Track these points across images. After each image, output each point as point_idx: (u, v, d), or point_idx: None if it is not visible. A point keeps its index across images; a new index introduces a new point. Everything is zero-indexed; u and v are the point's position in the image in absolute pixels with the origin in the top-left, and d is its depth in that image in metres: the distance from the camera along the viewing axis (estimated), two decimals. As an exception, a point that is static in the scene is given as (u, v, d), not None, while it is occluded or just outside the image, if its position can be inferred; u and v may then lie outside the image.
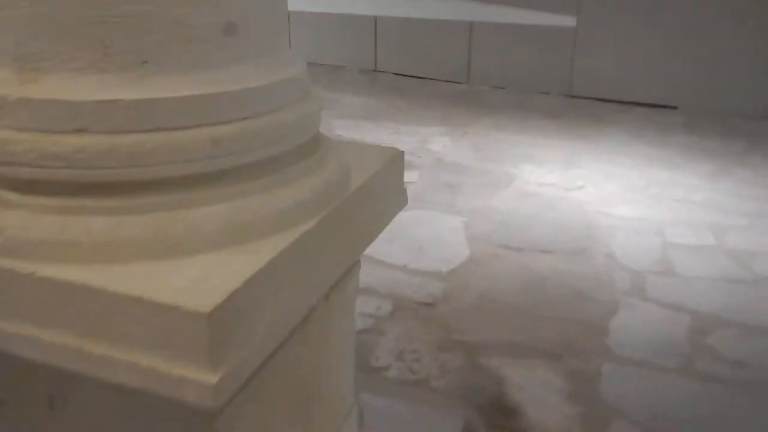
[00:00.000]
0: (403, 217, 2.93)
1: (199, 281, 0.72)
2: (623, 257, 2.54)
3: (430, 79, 5.01)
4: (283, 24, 0.93)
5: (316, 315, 0.95)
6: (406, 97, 4.62)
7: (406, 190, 1.20)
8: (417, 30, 5.05)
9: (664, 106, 4.46)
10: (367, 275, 2.32)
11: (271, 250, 0.77)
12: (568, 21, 4.65)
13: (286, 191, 0.84)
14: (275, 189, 0.84)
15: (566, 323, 2.12)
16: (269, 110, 0.83)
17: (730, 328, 2.12)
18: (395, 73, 5.14)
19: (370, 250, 2.26)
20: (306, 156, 0.91)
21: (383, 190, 1.08)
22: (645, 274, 2.42)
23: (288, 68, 0.90)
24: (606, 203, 3.05)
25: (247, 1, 0.83)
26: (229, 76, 0.80)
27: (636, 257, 2.54)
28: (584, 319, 2.14)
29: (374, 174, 1.03)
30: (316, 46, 5.33)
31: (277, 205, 0.82)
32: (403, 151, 1.16)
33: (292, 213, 0.83)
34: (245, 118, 0.81)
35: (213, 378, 0.67)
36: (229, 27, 0.79)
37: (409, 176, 3.27)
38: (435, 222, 2.81)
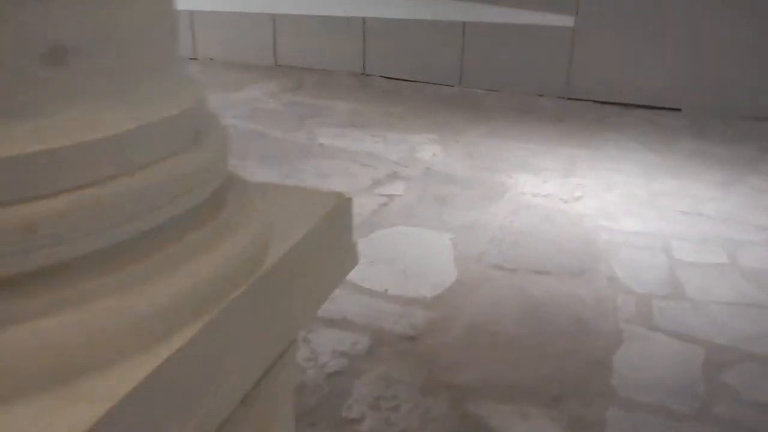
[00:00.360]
0: (385, 235, 2.72)
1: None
2: (627, 278, 2.30)
3: (422, 82, 4.78)
4: (160, 35, 0.65)
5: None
6: (396, 101, 4.39)
7: (355, 246, 0.95)
8: (407, 31, 4.82)
9: (668, 109, 4.22)
10: (343, 304, 2.09)
11: (123, 385, 0.52)
12: (566, 21, 4.41)
13: (156, 287, 0.59)
14: (138, 285, 0.58)
15: (565, 358, 1.88)
16: (128, 169, 0.57)
17: (751, 362, 1.88)
18: (385, 77, 4.90)
19: (347, 274, 2.02)
20: (197, 226, 0.65)
21: (321, 253, 0.83)
22: (651, 298, 2.18)
23: (164, 103, 0.63)
24: (607, 216, 2.81)
25: (86, 12, 0.55)
26: (57, 124, 0.54)
27: (641, 278, 2.30)
28: (586, 353, 1.91)
29: (308, 234, 0.78)
30: (301, 50, 5.10)
31: (142, 309, 0.57)
32: (350, 198, 0.91)
33: (167, 316, 0.58)
34: (84, 187, 0.54)
35: None
36: (54, 53, 0.53)
37: (395, 188, 3.04)
38: (420, 240, 2.58)
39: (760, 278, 2.31)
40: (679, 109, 4.21)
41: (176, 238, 0.62)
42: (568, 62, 4.46)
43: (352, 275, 2.29)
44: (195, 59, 5.28)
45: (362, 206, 2.84)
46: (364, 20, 4.93)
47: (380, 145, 3.58)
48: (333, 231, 0.86)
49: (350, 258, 0.92)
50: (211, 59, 5.29)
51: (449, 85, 4.74)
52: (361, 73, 4.98)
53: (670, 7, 4.16)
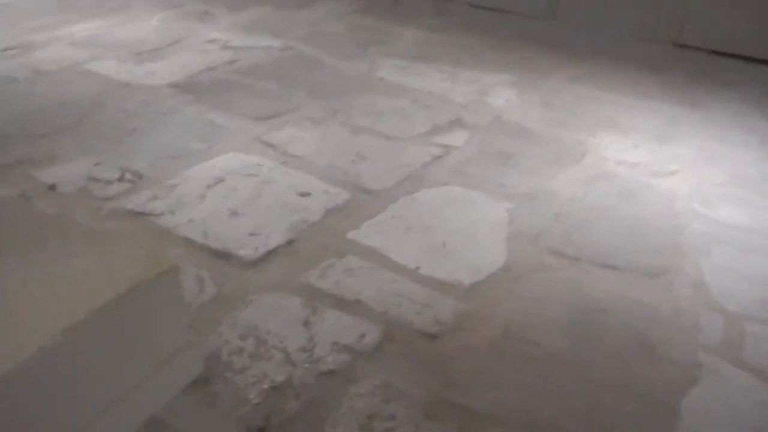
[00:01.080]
0: (430, 196, 2.34)
1: None
2: (718, 289, 1.85)
3: (507, 12, 4.20)
4: None
5: None
6: (474, 33, 3.86)
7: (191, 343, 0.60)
8: (500, -49, 4.20)
9: (803, 67, 3.50)
10: (360, 280, 1.76)
11: None
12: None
13: None
14: None
15: (617, 392, 1.50)
16: None
17: None
18: (469, 3, 4.35)
19: (376, 242, 1.69)
20: None
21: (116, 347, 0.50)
22: (745, 320, 1.73)
23: None
24: (705, 200, 2.30)
25: None
26: None
27: (736, 291, 1.84)
28: (646, 387, 1.51)
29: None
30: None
31: None
32: (177, 268, 0.59)
33: None
34: None
35: None
36: None
37: (454, 138, 2.63)
38: (471, 207, 2.19)
39: None
40: (817, 69, 3.49)
41: None
42: (684, 1, 3.75)
43: (382, 244, 1.97)
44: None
45: (412, 157, 2.46)
46: (451, -65, 4.33)
47: (447, 84, 3.13)
48: (140, 317, 0.53)
49: (182, 360, 0.60)
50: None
51: (538, 19, 4.14)
52: (443, -3, 4.44)
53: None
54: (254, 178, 2.25)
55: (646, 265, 1.93)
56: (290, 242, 1.94)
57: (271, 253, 1.88)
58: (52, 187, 2.19)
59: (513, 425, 1.39)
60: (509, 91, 3.12)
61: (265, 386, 1.45)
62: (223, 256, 1.87)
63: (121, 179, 2.24)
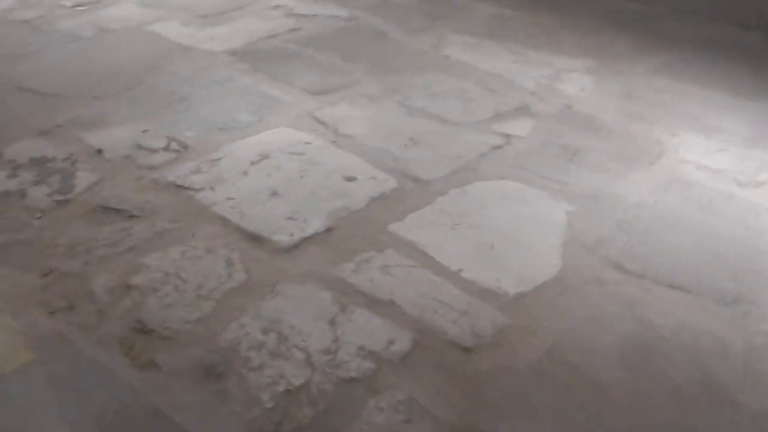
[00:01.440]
0: (484, 189, 2.17)
1: None
2: (802, 324, 1.62)
3: (595, -10, 3.90)
4: None
5: None
6: (553, 11, 3.60)
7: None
8: None
9: None
10: (396, 278, 1.64)
11: None
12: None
13: None
14: None
15: (672, 435, 1.33)
16: None
17: None
18: (551, -22, 4.06)
19: (419, 237, 1.55)
20: None
21: None
22: (833, 366, 1.51)
23: None
24: (797, 217, 2.04)
25: None
26: None
27: (824, 328, 1.61)
28: (705, 433, 1.33)
29: None
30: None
31: None
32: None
33: None
34: None
35: None
36: None
37: (518, 127, 2.44)
38: (527, 206, 2.01)
39: None
40: None
41: None
42: (797, -13, 3.36)
43: (424, 239, 1.83)
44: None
45: (469, 145, 2.29)
46: None
47: (517, 66, 2.92)
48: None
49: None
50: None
51: (631, 0, 3.82)
52: (524, -30, 4.16)
53: None
54: (300, 156, 2.15)
55: (720, 290, 1.72)
56: (328, 230, 1.83)
57: (306, 241, 1.78)
58: (99, 152, 2.17)
59: (544, 464, 1.26)
60: (584, 79, 2.88)
61: (281, 389, 1.36)
62: (256, 239, 1.78)
63: (166, 148, 2.19)
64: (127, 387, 1.36)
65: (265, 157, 2.13)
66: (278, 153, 2.16)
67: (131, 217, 1.86)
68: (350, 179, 2.04)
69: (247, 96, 2.51)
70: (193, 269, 1.67)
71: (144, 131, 2.27)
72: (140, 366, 1.42)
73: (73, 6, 3.30)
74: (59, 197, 1.95)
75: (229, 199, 1.93)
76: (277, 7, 3.38)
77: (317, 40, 3.01)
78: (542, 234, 1.90)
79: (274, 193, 1.96)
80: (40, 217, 1.88)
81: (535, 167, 2.21)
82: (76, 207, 1.92)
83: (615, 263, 1.80)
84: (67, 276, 1.66)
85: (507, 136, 2.38)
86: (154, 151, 2.17)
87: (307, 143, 2.22)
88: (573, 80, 2.86)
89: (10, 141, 2.22)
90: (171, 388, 1.37)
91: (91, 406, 1.31)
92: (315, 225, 1.84)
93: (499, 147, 2.31)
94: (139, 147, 2.19)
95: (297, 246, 1.77)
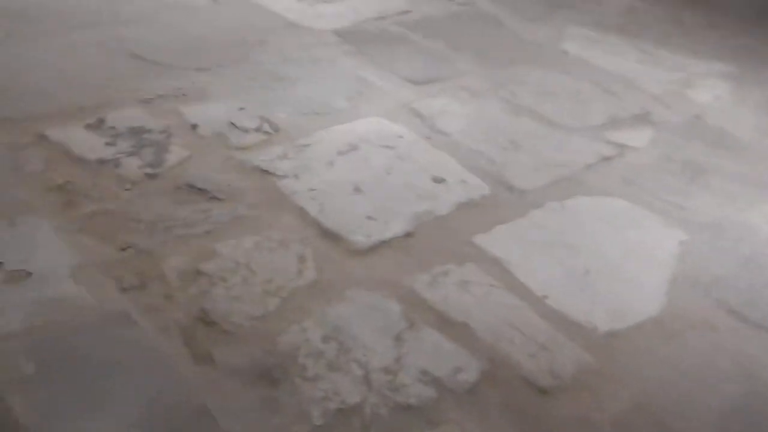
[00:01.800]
0: (586, 206, 1.96)
1: None
2: None
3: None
4: None
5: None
6: (697, 5, 3.24)
7: None
8: None
9: None
10: (475, 297, 1.51)
11: None
12: None
13: None
14: None
15: None
16: None
17: None
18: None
19: (504, 253, 1.44)
20: None
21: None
22: None
23: None
24: None
25: None
26: None
27: None
28: None
29: None
30: None
31: None
32: None
33: None
34: None
35: None
36: None
37: (635, 137, 2.21)
38: (635, 229, 1.80)
39: None
40: None
41: None
42: None
43: (510, 256, 1.67)
44: None
45: (575, 153, 2.09)
46: None
47: (644, 67, 2.65)
48: None
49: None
50: None
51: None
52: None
53: None
54: (390, 151, 2.04)
55: None
56: (408, 235, 1.72)
57: (383, 244, 1.68)
58: (194, 127, 2.16)
59: None
60: (721, 86, 2.56)
61: (333, 406, 1.28)
62: (332, 237, 1.70)
63: (258, 129, 2.15)
64: (181, 380, 1.33)
65: (354, 148, 2.04)
66: (368, 145, 2.06)
67: (212, 198, 1.84)
68: (439, 181, 1.91)
69: (345, 80, 2.43)
70: (264, 262, 1.61)
71: (240, 109, 2.25)
72: (197, 358, 1.38)
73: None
74: (150, 170, 1.96)
75: (311, 189, 1.86)
76: (391, -14, 3.26)
77: (426, 25, 2.87)
78: (648, 264, 1.68)
79: (357, 189, 1.86)
80: (129, 189, 1.90)
81: (649, 185, 1.98)
82: (164, 182, 1.92)
83: (732, 308, 1.56)
84: (143, 253, 1.65)
85: (621, 146, 2.15)
86: (245, 131, 2.14)
87: (399, 137, 2.11)
88: (707, 86, 2.55)
89: (114, 107, 2.27)
90: (222, 387, 1.32)
91: (140, 395, 1.28)
92: (395, 228, 1.73)
93: (610, 158, 2.09)
94: (233, 126, 2.16)
95: (373, 249, 1.66)
